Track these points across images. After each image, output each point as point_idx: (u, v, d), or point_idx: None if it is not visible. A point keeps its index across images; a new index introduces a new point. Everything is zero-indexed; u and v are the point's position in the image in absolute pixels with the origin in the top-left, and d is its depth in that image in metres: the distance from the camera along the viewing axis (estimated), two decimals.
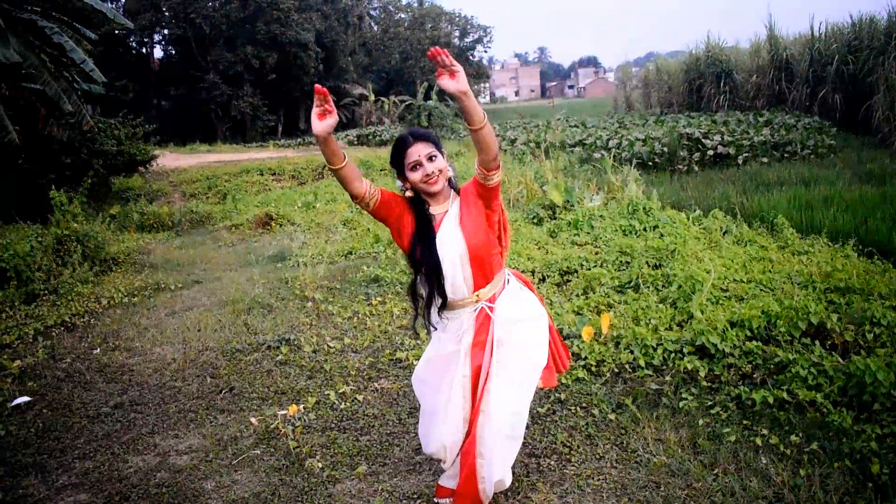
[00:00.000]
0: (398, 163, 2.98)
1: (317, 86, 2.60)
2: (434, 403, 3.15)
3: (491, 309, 3.07)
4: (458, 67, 2.56)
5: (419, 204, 3.03)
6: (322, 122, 2.62)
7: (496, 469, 2.99)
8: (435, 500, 3.37)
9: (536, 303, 3.22)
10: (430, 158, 2.93)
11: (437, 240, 2.98)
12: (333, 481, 3.60)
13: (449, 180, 3.04)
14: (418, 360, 5.13)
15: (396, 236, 3.06)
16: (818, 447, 3.49)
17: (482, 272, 3.03)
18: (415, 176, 2.93)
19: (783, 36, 24.46)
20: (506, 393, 2.99)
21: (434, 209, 3.04)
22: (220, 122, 41.06)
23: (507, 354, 3.03)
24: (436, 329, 3.16)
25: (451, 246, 2.97)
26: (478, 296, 3.05)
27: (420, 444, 3.96)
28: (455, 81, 2.57)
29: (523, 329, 3.09)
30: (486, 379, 3.01)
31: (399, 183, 3.05)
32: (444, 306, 3.06)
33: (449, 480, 3.28)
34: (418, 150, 2.92)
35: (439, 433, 3.08)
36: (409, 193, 3.01)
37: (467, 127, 2.73)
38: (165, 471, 3.83)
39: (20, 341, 6.25)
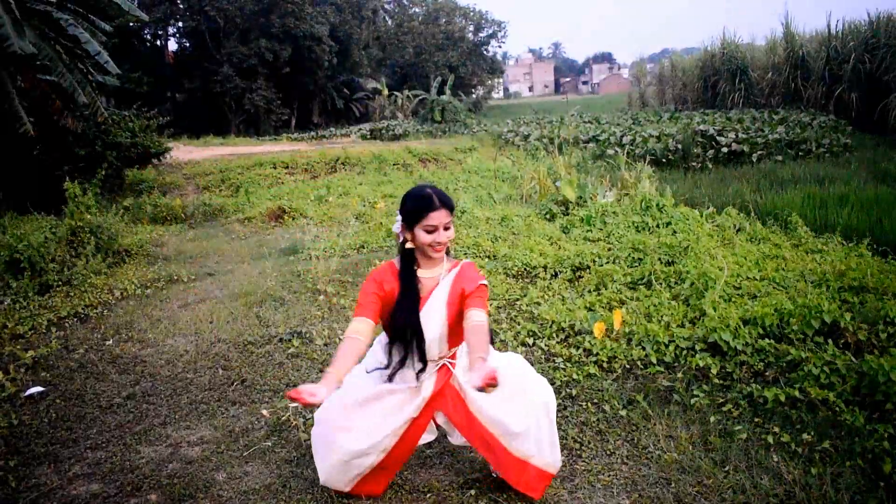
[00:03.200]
0: (413, 217, 2.94)
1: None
2: (351, 423, 3.13)
3: (452, 365, 3.15)
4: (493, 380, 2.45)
5: (409, 264, 3.03)
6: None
7: (547, 451, 3.16)
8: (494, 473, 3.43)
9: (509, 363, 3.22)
10: (447, 227, 2.94)
11: (422, 311, 3.01)
12: None
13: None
14: None
15: (384, 313, 3.06)
16: (830, 446, 3.47)
17: (455, 341, 3.11)
18: (426, 238, 2.93)
19: (799, 33, 24.39)
20: (498, 404, 3.06)
21: (424, 272, 3.04)
22: (234, 115, 41.21)
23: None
24: (387, 380, 3.16)
25: (435, 320, 3.01)
26: (442, 355, 3.14)
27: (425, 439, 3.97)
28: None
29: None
30: (470, 421, 3.11)
31: (398, 229, 3.04)
32: (424, 369, 3.10)
33: None
34: (440, 217, 2.91)
35: (349, 443, 3.09)
36: (409, 245, 3.00)
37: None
38: (177, 462, 3.85)
39: (34, 332, 6.29)
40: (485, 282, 3.01)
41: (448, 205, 2.94)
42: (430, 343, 3.05)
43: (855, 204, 8.96)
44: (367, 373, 3.23)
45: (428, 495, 3.37)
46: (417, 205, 2.93)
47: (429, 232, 2.92)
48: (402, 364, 3.10)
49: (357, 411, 3.13)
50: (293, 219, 12.16)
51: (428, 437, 3.30)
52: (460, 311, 3.00)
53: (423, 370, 3.10)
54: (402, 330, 3.01)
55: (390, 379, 3.15)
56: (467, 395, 3.09)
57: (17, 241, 7.65)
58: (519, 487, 3.16)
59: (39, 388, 4.97)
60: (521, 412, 3.06)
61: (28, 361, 5.48)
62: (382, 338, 3.25)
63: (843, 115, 20.07)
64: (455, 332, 3.08)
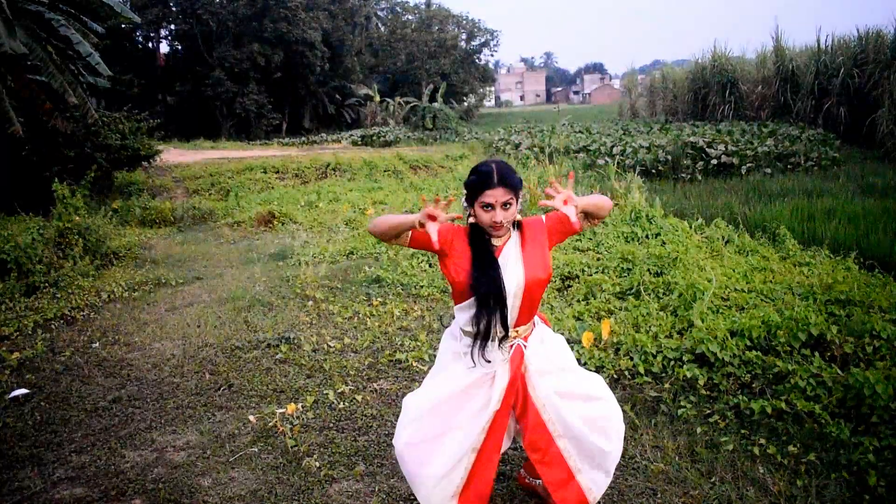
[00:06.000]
0: (471, 193, 2.80)
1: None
2: (437, 431, 2.91)
3: (524, 347, 2.91)
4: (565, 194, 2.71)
5: (480, 232, 2.86)
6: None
7: (598, 476, 2.97)
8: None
9: (566, 346, 3.11)
10: (505, 206, 2.74)
11: (500, 268, 2.82)
12: (330, 481, 3.60)
13: None
14: (418, 361, 5.12)
15: (448, 265, 2.86)
16: (815, 458, 3.48)
17: (529, 309, 2.89)
18: (483, 216, 2.77)
19: (789, 47, 24.50)
20: (567, 407, 2.92)
21: (495, 240, 2.87)
22: (225, 119, 41.10)
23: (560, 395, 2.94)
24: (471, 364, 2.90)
25: (512, 277, 2.81)
26: (516, 332, 2.89)
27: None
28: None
29: (567, 380, 2.99)
30: (532, 413, 2.93)
31: (465, 204, 2.88)
32: (506, 338, 2.86)
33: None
34: (496, 195, 2.72)
35: (439, 463, 2.86)
36: (471, 220, 2.84)
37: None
38: (162, 466, 3.83)
39: (19, 333, 6.25)
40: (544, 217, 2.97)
41: (508, 182, 2.73)
42: (510, 299, 2.82)
43: (842, 217, 9.01)
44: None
45: (414, 503, 3.36)
46: (474, 180, 2.79)
47: (485, 209, 2.76)
48: (486, 337, 2.82)
49: (440, 416, 2.91)
50: (283, 224, 12.14)
51: (506, 442, 3.11)
52: (541, 276, 2.86)
53: (504, 337, 2.86)
54: (485, 292, 2.78)
55: (476, 350, 2.87)
56: (532, 384, 2.92)
57: (4, 242, 7.60)
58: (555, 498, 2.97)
59: (24, 391, 4.93)
60: (596, 421, 2.96)
61: (13, 363, 5.44)
62: (454, 329, 3.02)
63: (831, 129, 20.18)
64: (531, 300, 2.87)
